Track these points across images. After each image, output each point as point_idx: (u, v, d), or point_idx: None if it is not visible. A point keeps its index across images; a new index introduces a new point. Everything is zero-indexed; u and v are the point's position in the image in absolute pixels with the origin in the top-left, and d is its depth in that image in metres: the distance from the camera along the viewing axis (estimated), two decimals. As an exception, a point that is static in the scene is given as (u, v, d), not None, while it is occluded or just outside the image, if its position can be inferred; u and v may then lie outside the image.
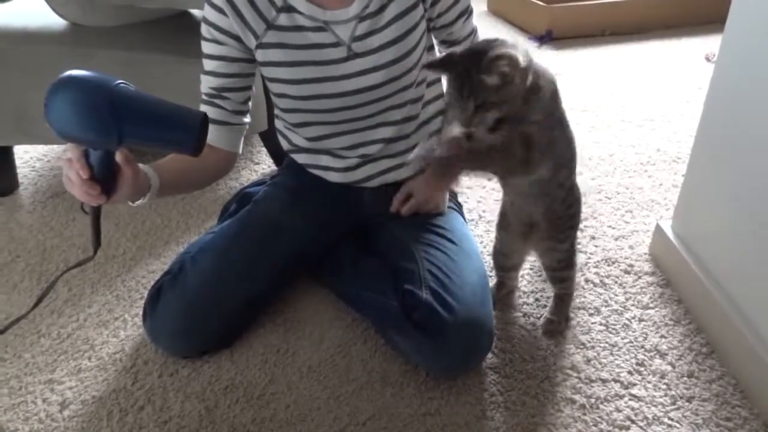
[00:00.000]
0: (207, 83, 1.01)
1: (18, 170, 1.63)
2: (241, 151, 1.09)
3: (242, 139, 1.08)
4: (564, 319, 1.07)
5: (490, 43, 0.79)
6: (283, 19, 0.95)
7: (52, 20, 1.41)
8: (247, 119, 1.07)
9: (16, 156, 1.63)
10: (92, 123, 0.73)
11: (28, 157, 1.76)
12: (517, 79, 0.76)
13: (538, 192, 0.92)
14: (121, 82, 0.74)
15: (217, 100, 1.01)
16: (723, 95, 1.02)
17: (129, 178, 0.82)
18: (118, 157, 0.80)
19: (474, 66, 0.76)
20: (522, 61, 0.76)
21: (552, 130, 0.85)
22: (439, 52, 1.13)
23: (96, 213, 0.85)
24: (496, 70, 0.75)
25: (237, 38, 0.96)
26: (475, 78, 0.76)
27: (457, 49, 0.82)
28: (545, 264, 1.06)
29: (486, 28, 1.08)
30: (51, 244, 1.37)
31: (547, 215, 0.95)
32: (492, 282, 1.15)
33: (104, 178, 0.80)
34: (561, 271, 1.05)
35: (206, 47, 0.99)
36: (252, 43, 0.96)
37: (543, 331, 1.07)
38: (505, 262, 1.11)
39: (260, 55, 0.98)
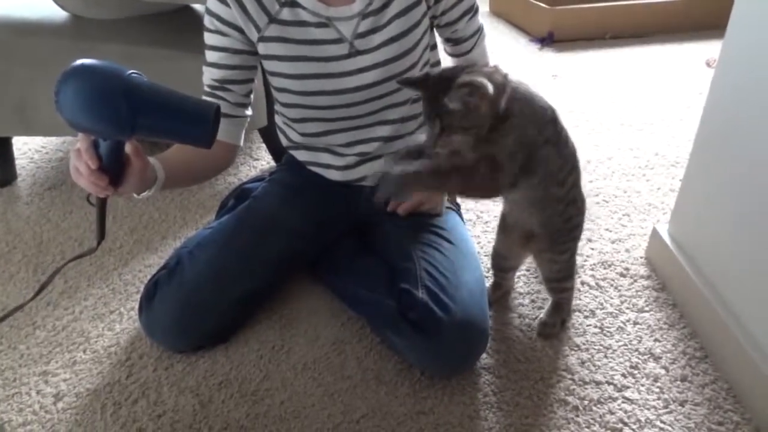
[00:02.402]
0: (210, 75, 1.01)
1: (16, 161, 1.63)
2: (242, 144, 1.09)
3: (244, 131, 1.08)
4: (560, 321, 1.07)
5: (464, 70, 0.81)
6: (286, 14, 0.95)
7: (54, 12, 1.41)
8: (249, 112, 1.07)
9: (14, 147, 1.63)
10: (104, 112, 0.72)
11: (27, 149, 1.76)
12: (484, 107, 0.78)
13: (531, 205, 0.92)
14: (134, 72, 0.73)
15: (219, 92, 1.01)
16: (723, 101, 1.02)
17: (137, 170, 0.82)
18: (128, 148, 0.80)
19: (441, 90, 0.78)
20: (491, 89, 0.77)
21: (536, 151, 0.85)
22: (444, 50, 1.13)
23: (102, 205, 0.84)
24: (459, 97, 0.76)
25: (239, 30, 0.96)
26: (441, 101, 0.78)
27: (435, 70, 0.84)
28: (544, 275, 1.05)
29: (488, 29, 1.08)
30: (48, 236, 1.37)
31: (545, 227, 0.95)
32: (488, 283, 1.15)
33: (113, 169, 0.79)
34: (560, 282, 1.05)
35: (209, 38, 0.99)
36: (254, 35, 0.96)
37: (538, 332, 1.07)
38: (503, 263, 1.11)
39: (262, 48, 0.98)
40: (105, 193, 0.81)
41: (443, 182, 0.87)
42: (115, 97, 0.71)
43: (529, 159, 0.84)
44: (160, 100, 0.74)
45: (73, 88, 0.71)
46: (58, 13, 1.41)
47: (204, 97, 1.02)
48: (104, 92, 0.71)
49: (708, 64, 2.28)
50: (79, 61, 0.72)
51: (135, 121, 0.72)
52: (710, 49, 2.42)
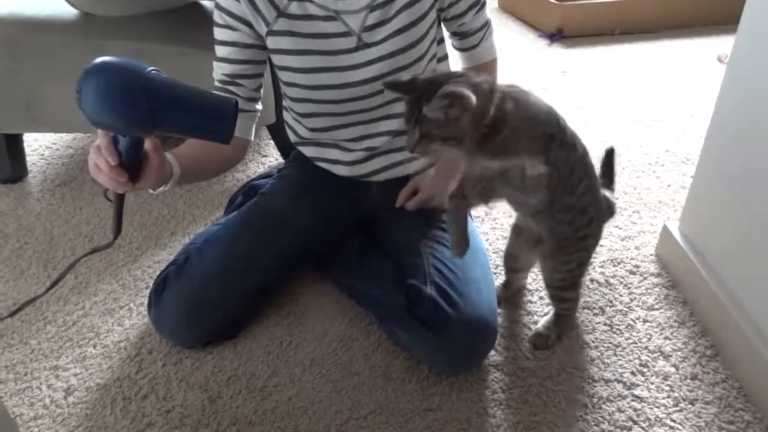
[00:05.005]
0: (220, 70, 1.01)
1: (27, 158, 1.64)
2: (253, 139, 1.09)
3: (254, 126, 1.08)
4: (557, 335, 1.04)
5: (452, 77, 0.80)
6: (294, 8, 0.95)
7: (64, 9, 1.41)
8: (259, 106, 1.07)
9: (25, 144, 1.64)
10: (126, 110, 0.72)
11: (38, 145, 1.77)
12: (464, 119, 0.77)
13: (539, 212, 0.91)
14: (153, 69, 0.74)
15: (230, 87, 1.01)
16: (734, 97, 1.01)
17: (156, 166, 0.83)
18: (147, 144, 0.81)
19: (425, 97, 0.77)
20: (474, 101, 0.75)
21: (546, 150, 0.83)
22: (451, 45, 1.12)
23: (120, 200, 0.85)
24: (438, 107, 0.75)
25: (249, 24, 0.96)
26: (423, 108, 0.77)
27: (424, 74, 0.83)
28: (545, 280, 1.03)
29: (496, 25, 1.07)
30: (58, 232, 1.38)
31: (553, 235, 0.94)
32: (498, 281, 1.14)
33: (132, 165, 0.80)
34: (560, 290, 1.02)
35: (219, 33, 0.99)
36: (263, 29, 0.96)
37: (530, 341, 1.04)
38: (514, 264, 1.10)
39: (270, 43, 0.98)
40: (124, 189, 0.82)
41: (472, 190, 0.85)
42: (135, 94, 0.71)
43: (546, 156, 0.83)
44: (180, 97, 0.75)
45: (94, 85, 0.72)
46: (68, 10, 1.42)
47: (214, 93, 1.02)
48: (125, 90, 0.72)
49: (720, 60, 2.26)
50: (100, 59, 0.73)
51: (155, 117, 0.73)
52: (722, 44, 2.39)
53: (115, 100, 0.72)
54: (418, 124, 0.79)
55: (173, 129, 0.77)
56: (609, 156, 1.06)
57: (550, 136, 0.83)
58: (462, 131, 0.78)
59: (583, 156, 0.90)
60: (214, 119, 0.75)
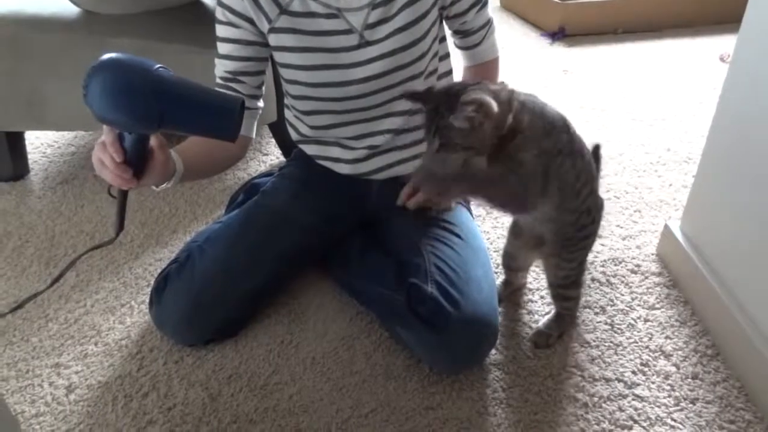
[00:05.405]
0: (222, 67, 1.01)
1: (29, 156, 1.65)
2: (254, 136, 1.09)
3: (256, 123, 1.08)
4: (558, 334, 1.04)
5: (468, 86, 0.80)
6: (296, 5, 0.95)
7: (66, 7, 1.42)
8: (261, 104, 1.07)
9: (27, 142, 1.64)
10: (132, 107, 0.73)
11: (39, 143, 1.77)
12: (486, 126, 0.77)
13: (548, 219, 0.91)
14: (161, 66, 0.74)
15: (232, 84, 1.01)
16: (737, 96, 1.01)
17: (160, 163, 0.83)
18: (152, 141, 0.81)
19: (445, 106, 0.77)
20: (495, 108, 0.75)
21: (552, 163, 0.84)
22: (453, 44, 1.12)
23: (123, 197, 0.85)
24: (465, 116, 0.75)
25: (251, 21, 0.96)
26: (445, 118, 0.77)
27: (438, 84, 0.84)
28: (549, 279, 1.04)
29: (498, 23, 1.07)
30: (60, 229, 1.39)
31: (557, 235, 0.94)
32: (499, 279, 1.14)
33: (137, 162, 0.80)
34: (564, 288, 1.02)
35: (221, 30, 0.99)
36: (265, 26, 0.97)
37: (531, 340, 1.04)
38: (512, 263, 1.10)
39: (273, 40, 0.98)
40: (128, 186, 0.82)
41: (481, 191, 0.85)
42: (142, 91, 0.72)
43: (545, 174, 0.83)
44: (187, 95, 0.75)
45: (101, 82, 0.72)
46: (71, 9, 1.42)
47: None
48: (132, 87, 0.72)
49: (722, 59, 2.25)
50: (107, 55, 0.73)
51: (162, 115, 0.73)
52: (724, 43, 2.38)
53: (122, 97, 0.72)
54: (438, 133, 0.79)
55: (179, 126, 0.78)
56: (595, 152, 1.07)
57: (559, 150, 0.84)
58: (483, 139, 0.78)
59: (589, 162, 0.91)
60: (220, 117, 0.76)
